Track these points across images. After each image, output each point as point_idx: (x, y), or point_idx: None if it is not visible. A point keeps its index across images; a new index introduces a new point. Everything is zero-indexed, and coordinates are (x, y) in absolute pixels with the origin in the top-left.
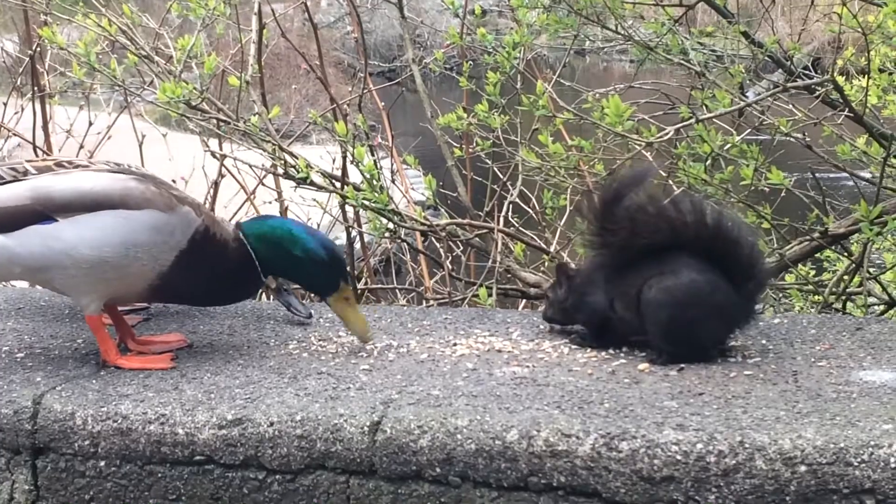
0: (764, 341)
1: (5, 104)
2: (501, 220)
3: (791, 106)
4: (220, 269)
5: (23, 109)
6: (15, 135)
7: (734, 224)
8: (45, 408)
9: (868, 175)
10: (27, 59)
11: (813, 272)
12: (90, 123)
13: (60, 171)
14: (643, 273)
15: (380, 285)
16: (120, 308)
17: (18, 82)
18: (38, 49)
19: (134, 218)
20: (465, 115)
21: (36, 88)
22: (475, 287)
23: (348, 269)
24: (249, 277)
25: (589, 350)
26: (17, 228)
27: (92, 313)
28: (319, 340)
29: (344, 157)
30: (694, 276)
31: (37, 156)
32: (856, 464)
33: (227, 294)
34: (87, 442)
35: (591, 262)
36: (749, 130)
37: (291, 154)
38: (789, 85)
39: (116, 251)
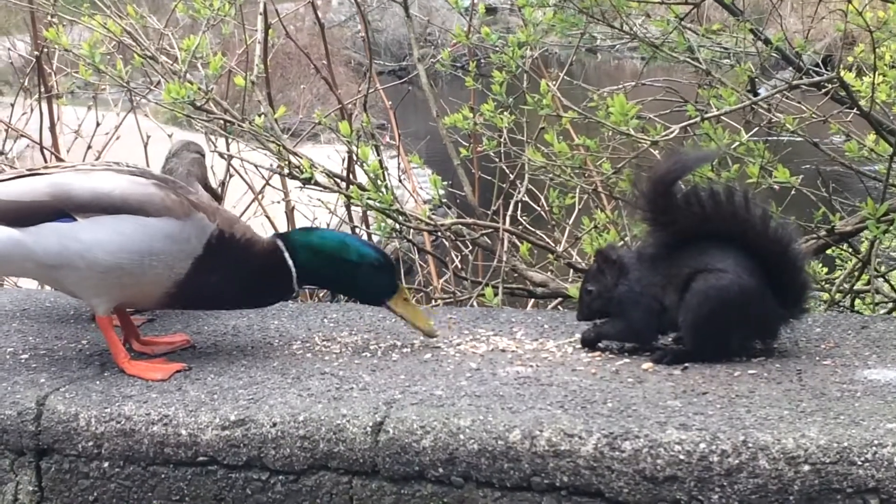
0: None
1: (13, 105)
2: (508, 219)
3: (799, 103)
4: (240, 272)
5: (31, 110)
6: (23, 135)
7: (800, 247)
8: (49, 409)
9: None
10: (34, 59)
11: (826, 270)
12: (98, 124)
13: (80, 169)
14: (694, 260)
15: None
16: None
17: (26, 83)
18: (46, 50)
19: (152, 225)
20: (472, 115)
21: (43, 89)
22: (481, 286)
23: None
24: (276, 282)
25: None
26: (33, 223)
27: (102, 315)
28: (323, 341)
29: (350, 157)
30: (747, 280)
31: (44, 157)
32: (859, 463)
33: (250, 297)
34: (90, 443)
35: (640, 246)
36: (757, 129)
37: (295, 154)
38: (796, 82)
39: (132, 258)
